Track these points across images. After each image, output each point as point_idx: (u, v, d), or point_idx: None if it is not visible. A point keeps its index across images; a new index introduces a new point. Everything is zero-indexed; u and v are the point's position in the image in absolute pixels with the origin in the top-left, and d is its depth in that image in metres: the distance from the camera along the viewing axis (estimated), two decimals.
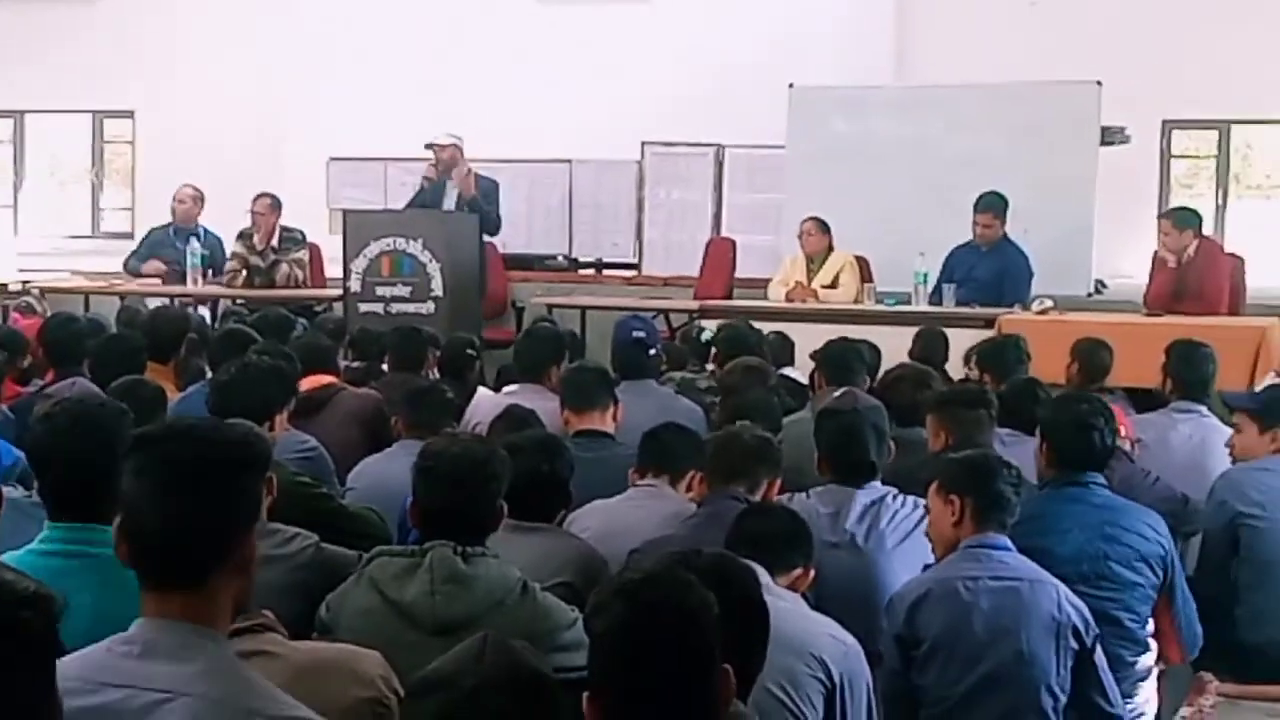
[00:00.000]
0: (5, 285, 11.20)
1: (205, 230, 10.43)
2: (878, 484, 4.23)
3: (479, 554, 3.20)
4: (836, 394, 4.99)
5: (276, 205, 10.14)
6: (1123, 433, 5.12)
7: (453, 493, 3.26)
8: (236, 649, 2.70)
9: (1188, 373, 5.94)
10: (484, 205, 9.57)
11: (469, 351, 6.47)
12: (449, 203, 9.65)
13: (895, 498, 4.19)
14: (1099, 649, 3.70)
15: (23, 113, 13.65)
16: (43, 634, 1.82)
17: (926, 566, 4.01)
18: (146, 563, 2.19)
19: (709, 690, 2.20)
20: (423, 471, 3.33)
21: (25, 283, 11.01)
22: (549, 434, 4.42)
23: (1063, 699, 3.66)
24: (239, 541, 2.20)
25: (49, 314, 7.98)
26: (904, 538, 4.11)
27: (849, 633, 3.35)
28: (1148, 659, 4.33)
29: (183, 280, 10.08)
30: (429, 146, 9.71)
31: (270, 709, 2.14)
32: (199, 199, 10.44)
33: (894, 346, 7.02)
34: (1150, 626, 4.33)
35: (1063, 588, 3.70)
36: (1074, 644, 3.64)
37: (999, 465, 3.82)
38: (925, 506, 4.04)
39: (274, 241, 10.10)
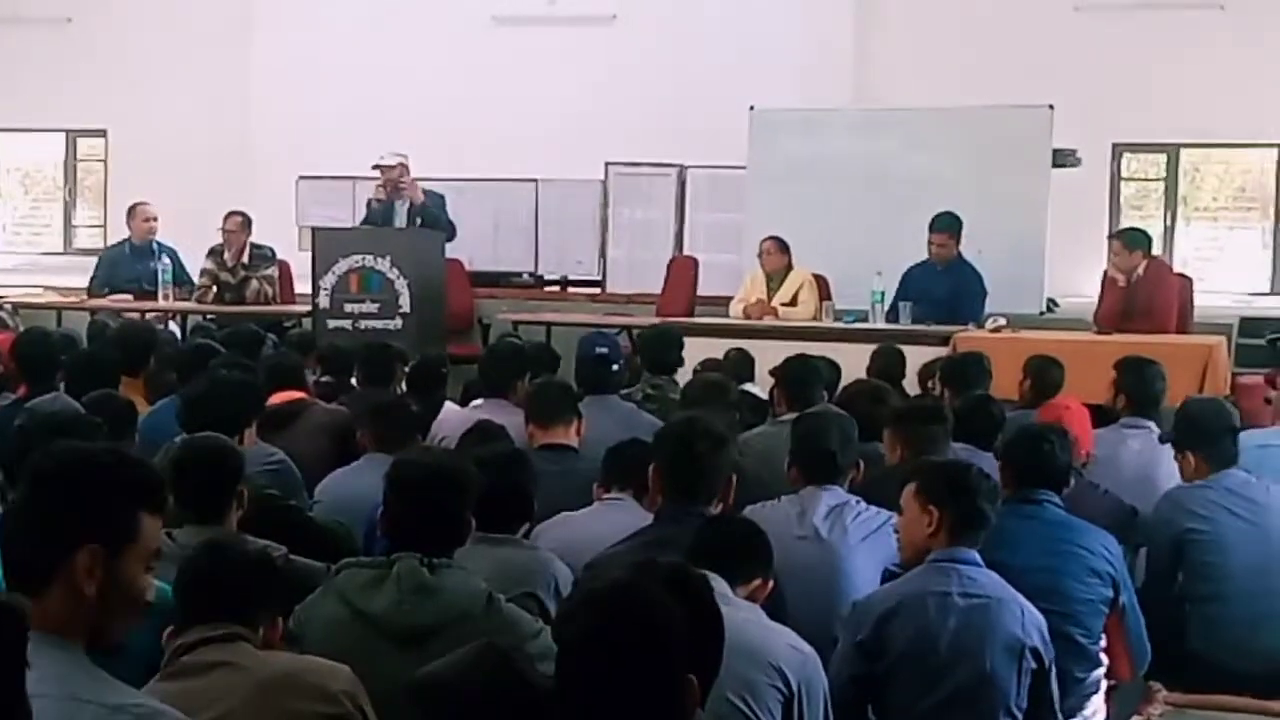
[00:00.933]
0: None
1: (159, 245, 10.50)
2: (840, 490, 4.32)
3: (446, 565, 3.25)
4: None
5: (247, 223, 10.22)
6: (1082, 452, 5.29)
7: (422, 505, 3.31)
8: (202, 659, 2.78)
9: (1138, 389, 6.04)
10: (435, 214, 9.68)
11: (441, 370, 6.55)
12: (399, 220, 9.76)
13: (858, 502, 4.30)
14: (1053, 667, 3.74)
15: None
16: (9, 644, 1.88)
17: (887, 570, 4.11)
18: (4, 566, 2.25)
19: (674, 700, 2.21)
20: (393, 483, 3.39)
21: None
22: (515, 448, 4.51)
23: (1020, 719, 3.69)
24: (68, 557, 2.18)
25: (21, 329, 8.06)
26: (867, 535, 4.19)
27: (812, 631, 3.39)
28: (1098, 673, 4.42)
29: (148, 297, 10.16)
30: (376, 167, 9.83)
31: (108, 699, 2.15)
32: (156, 217, 10.56)
33: (852, 363, 7.10)
34: (1102, 641, 4.41)
35: (1027, 606, 3.72)
36: (1033, 664, 3.68)
37: (981, 480, 3.87)
38: (890, 514, 4.14)
39: (244, 259, 10.20)
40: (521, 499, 3.91)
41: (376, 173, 9.90)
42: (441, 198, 9.97)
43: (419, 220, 9.78)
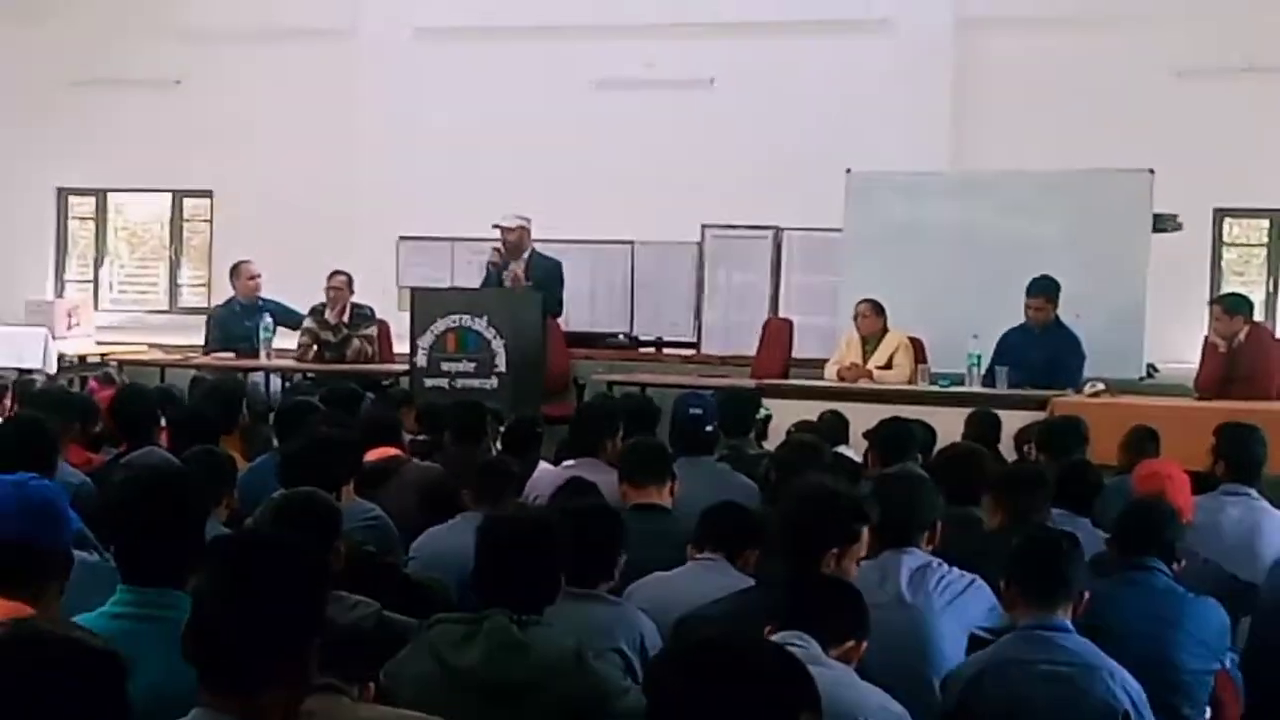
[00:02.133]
0: (85, 357, 11.53)
1: (264, 300, 10.75)
2: (920, 552, 4.26)
3: (535, 622, 3.26)
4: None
5: (350, 282, 10.42)
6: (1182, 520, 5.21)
7: (511, 561, 3.35)
8: (302, 707, 2.85)
9: (1238, 455, 5.94)
10: (545, 286, 9.76)
11: (536, 430, 6.60)
12: (510, 282, 9.88)
13: (940, 564, 4.23)
14: None
15: (105, 191, 14.00)
16: (109, 692, 1.94)
17: (974, 637, 4.06)
18: (205, 667, 2.27)
19: None
20: (483, 539, 3.43)
21: (104, 355, 11.34)
22: (600, 502, 4.52)
23: None
24: (298, 656, 2.25)
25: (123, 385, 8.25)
26: (952, 599, 4.12)
27: (898, 698, 3.35)
28: None
29: (254, 355, 10.36)
30: (496, 227, 9.95)
31: None
32: (259, 274, 10.82)
33: (947, 427, 7.08)
34: (1207, 713, 4.32)
35: (1120, 672, 3.65)
36: None
37: (1051, 546, 3.84)
38: (974, 576, 4.14)
39: (345, 318, 10.37)
40: (606, 553, 3.91)
41: (490, 230, 10.00)
42: (559, 265, 10.07)
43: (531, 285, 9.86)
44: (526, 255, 9.96)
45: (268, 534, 2.62)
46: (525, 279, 9.81)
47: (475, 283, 10.28)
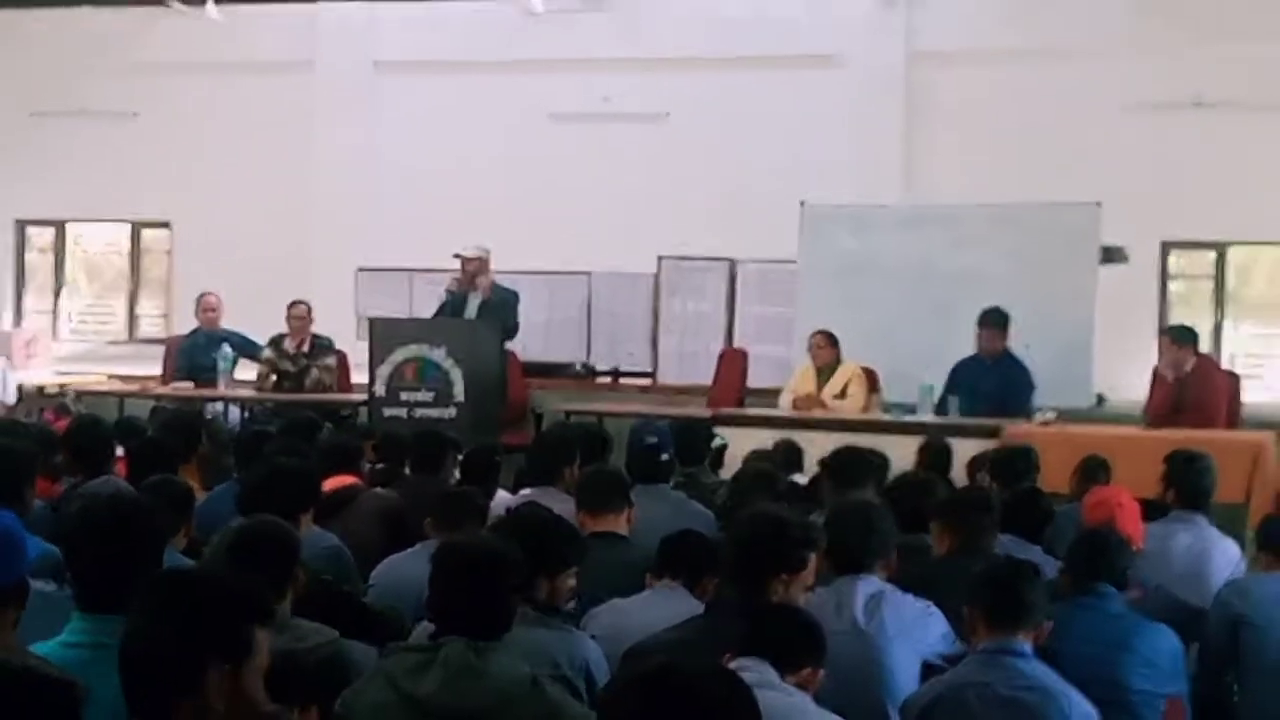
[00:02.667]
0: (43, 388, 11.49)
1: (228, 331, 10.77)
2: (874, 579, 4.29)
3: (491, 648, 3.25)
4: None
5: (310, 312, 10.45)
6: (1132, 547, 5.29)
7: (466, 588, 3.35)
8: None
9: (1187, 483, 5.99)
10: (502, 312, 9.80)
11: (495, 458, 6.62)
12: (470, 312, 9.88)
13: (895, 591, 4.24)
14: None
15: (64, 222, 13.97)
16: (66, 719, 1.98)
17: (927, 663, 4.11)
18: (126, 689, 2.35)
19: None
20: (438, 566, 3.43)
21: (63, 385, 11.30)
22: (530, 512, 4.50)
23: None
24: (202, 678, 2.29)
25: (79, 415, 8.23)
26: (905, 626, 4.15)
27: None
28: None
29: (215, 384, 10.36)
30: (457, 256, 9.99)
31: None
32: (220, 304, 10.84)
33: (900, 456, 7.09)
34: None
35: (1075, 696, 3.67)
36: None
37: (1012, 570, 3.91)
38: (927, 602, 4.19)
39: (305, 348, 10.39)
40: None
41: (449, 261, 10.02)
42: (515, 295, 10.10)
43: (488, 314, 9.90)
44: (486, 285, 9.98)
45: (179, 570, 2.66)
46: (483, 310, 9.83)
47: (433, 313, 10.29)
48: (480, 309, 9.87)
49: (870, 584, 4.25)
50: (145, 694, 2.30)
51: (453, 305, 9.96)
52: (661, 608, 4.20)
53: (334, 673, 3.47)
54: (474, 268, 9.91)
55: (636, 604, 4.38)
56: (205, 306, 10.89)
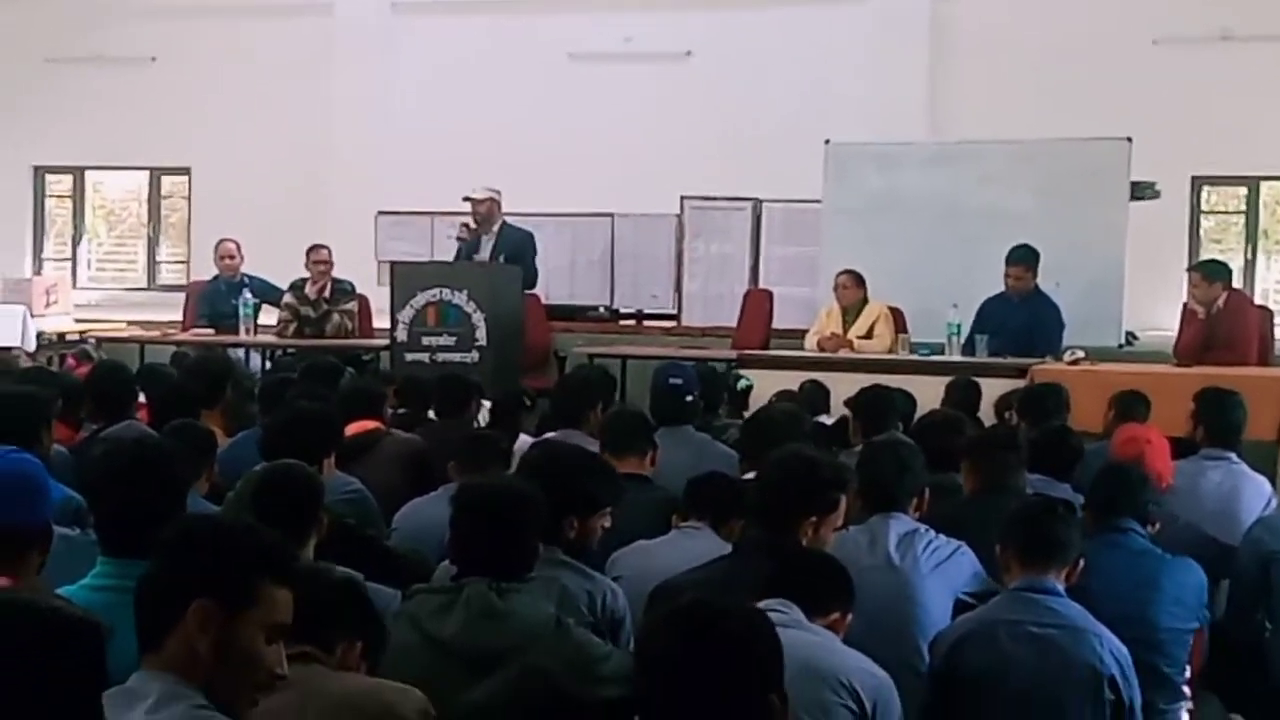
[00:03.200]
0: (64, 335, 11.51)
1: (249, 277, 10.72)
2: (906, 518, 4.30)
3: (514, 590, 3.27)
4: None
5: (331, 256, 10.41)
6: (1162, 484, 5.24)
7: (488, 530, 3.35)
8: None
9: (1218, 420, 5.96)
10: (516, 253, 9.75)
11: (525, 401, 6.58)
12: (484, 255, 9.85)
13: (927, 530, 4.27)
14: (1137, 701, 3.69)
15: (83, 169, 13.96)
16: (88, 659, 1.96)
17: (958, 601, 4.11)
18: (136, 624, 2.38)
19: (759, 715, 2.25)
20: (459, 509, 3.43)
21: (83, 333, 11.31)
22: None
23: None
24: (183, 612, 2.29)
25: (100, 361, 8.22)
26: (939, 564, 4.17)
27: (885, 659, 3.39)
28: (1181, 705, 4.34)
29: (237, 331, 10.34)
30: (466, 199, 9.93)
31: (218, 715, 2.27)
32: (240, 250, 10.79)
33: (928, 396, 7.10)
34: (1186, 673, 4.35)
35: (1107, 635, 3.68)
36: (1111, 695, 3.62)
37: (1043, 507, 3.90)
38: (959, 543, 4.19)
39: (326, 293, 10.36)
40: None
41: (466, 205, 10.01)
42: (530, 236, 10.05)
43: (502, 257, 9.86)
44: (497, 227, 9.95)
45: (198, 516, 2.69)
46: (495, 251, 9.77)
47: (451, 257, 10.25)
48: (493, 251, 9.82)
49: (903, 523, 4.27)
50: (143, 626, 2.32)
51: (466, 251, 9.92)
52: (687, 549, 4.20)
53: (355, 597, 3.40)
54: (484, 210, 9.87)
55: (662, 545, 4.38)
56: (223, 254, 10.83)
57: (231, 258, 10.82)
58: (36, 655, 1.94)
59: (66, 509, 4.07)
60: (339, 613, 2.98)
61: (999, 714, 3.66)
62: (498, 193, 9.93)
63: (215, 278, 11.01)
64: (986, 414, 7.33)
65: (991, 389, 7.56)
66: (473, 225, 9.89)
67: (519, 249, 9.89)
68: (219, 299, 10.74)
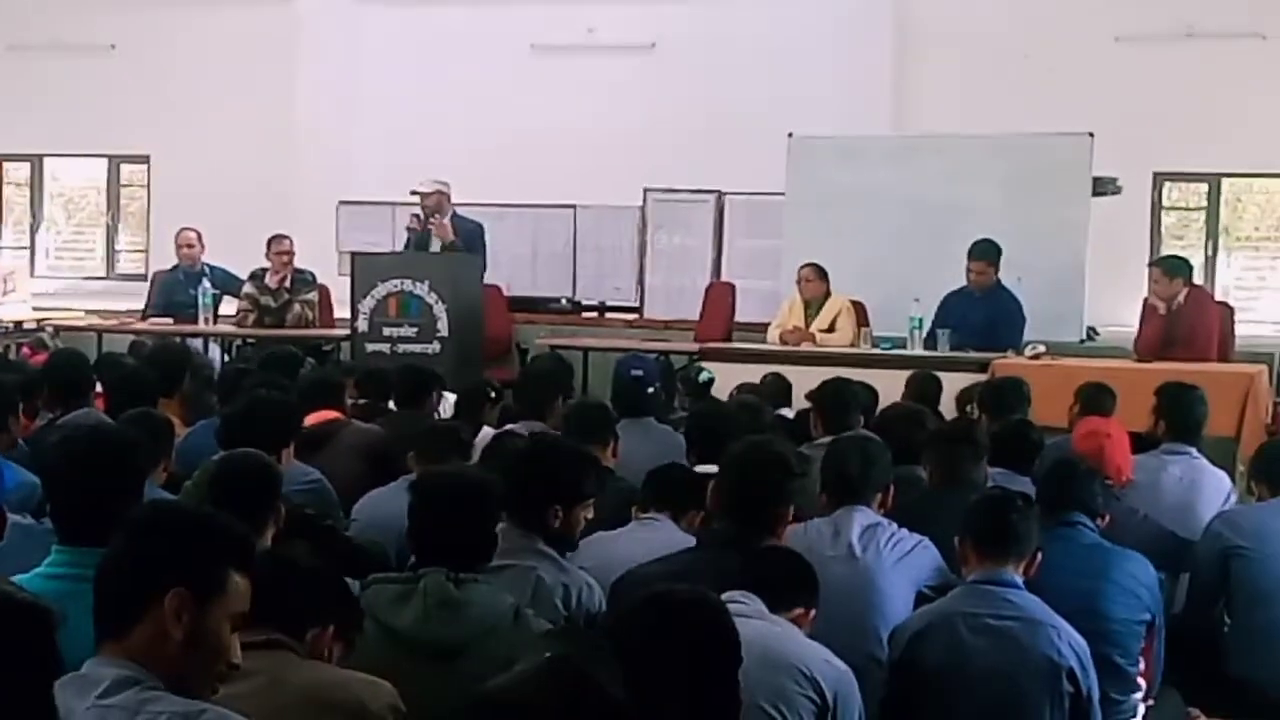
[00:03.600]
0: (21, 324, 11.40)
1: (210, 267, 10.63)
2: (870, 511, 4.31)
3: (472, 580, 3.25)
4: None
5: (293, 246, 10.33)
6: (1122, 478, 5.26)
7: (446, 519, 3.34)
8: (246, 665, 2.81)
9: (1178, 415, 5.95)
10: (466, 249, 9.70)
11: (491, 393, 6.56)
12: (435, 247, 9.78)
13: (890, 524, 4.28)
14: (1095, 692, 3.70)
15: (41, 156, 13.86)
16: (37, 645, 1.94)
17: (919, 594, 4.13)
18: (94, 613, 2.34)
19: (734, 698, 2.30)
20: (417, 497, 3.41)
21: (40, 321, 11.21)
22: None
23: None
24: (159, 598, 2.27)
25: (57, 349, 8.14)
26: (901, 556, 4.18)
27: (846, 649, 3.41)
28: (1135, 697, 4.35)
29: (196, 321, 10.25)
30: (414, 193, 9.86)
31: (178, 707, 2.24)
32: (201, 240, 10.68)
33: (889, 390, 7.08)
34: (1140, 665, 4.35)
35: (1065, 627, 3.69)
36: (1069, 687, 3.63)
37: (996, 502, 3.91)
38: (921, 537, 4.20)
39: (286, 282, 10.28)
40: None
41: (416, 198, 9.96)
42: (480, 227, 10.00)
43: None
44: (447, 219, 9.87)
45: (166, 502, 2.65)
46: (453, 241, 9.72)
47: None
48: (444, 246, 9.75)
49: (867, 515, 4.28)
50: (107, 614, 2.29)
51: (417, 244, 9.84)
52: (647, 540, 4.20)
53: (326, 581, 3.30)
54: (432, 202, 9.76)
55: (621, 536, 4.38)
56: (183, 243, 10.72)
57: (191, 246, 10.73)
58: None
59: (21, 495, 4.03)
60: (309, 598, 2.95)
61: (958, 705, 3.66)
62: (446, 185, 9.85)
63: (175, 267, 10.92)
64: (948, 408, 7.32)
65: (953, 383, 7.56)
66: (422, 217, 9.81)
67: (468, 241, 9.82)
68: (177, 288, 10.65)
